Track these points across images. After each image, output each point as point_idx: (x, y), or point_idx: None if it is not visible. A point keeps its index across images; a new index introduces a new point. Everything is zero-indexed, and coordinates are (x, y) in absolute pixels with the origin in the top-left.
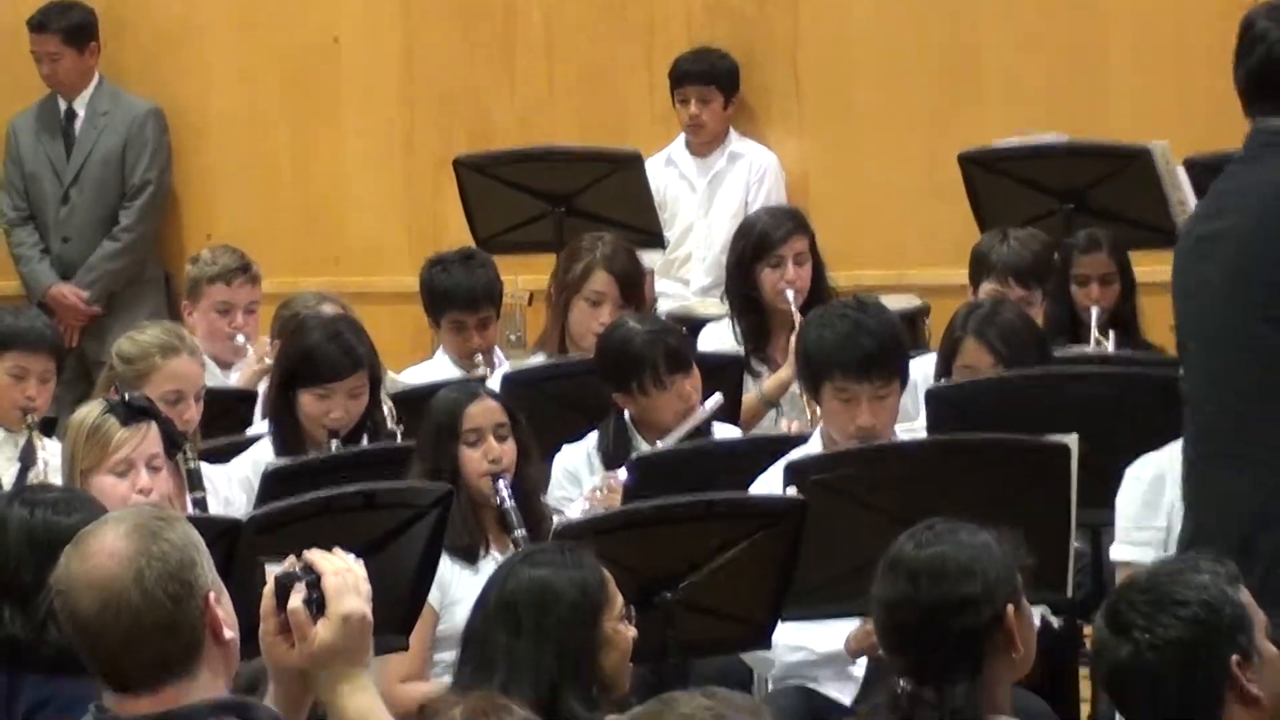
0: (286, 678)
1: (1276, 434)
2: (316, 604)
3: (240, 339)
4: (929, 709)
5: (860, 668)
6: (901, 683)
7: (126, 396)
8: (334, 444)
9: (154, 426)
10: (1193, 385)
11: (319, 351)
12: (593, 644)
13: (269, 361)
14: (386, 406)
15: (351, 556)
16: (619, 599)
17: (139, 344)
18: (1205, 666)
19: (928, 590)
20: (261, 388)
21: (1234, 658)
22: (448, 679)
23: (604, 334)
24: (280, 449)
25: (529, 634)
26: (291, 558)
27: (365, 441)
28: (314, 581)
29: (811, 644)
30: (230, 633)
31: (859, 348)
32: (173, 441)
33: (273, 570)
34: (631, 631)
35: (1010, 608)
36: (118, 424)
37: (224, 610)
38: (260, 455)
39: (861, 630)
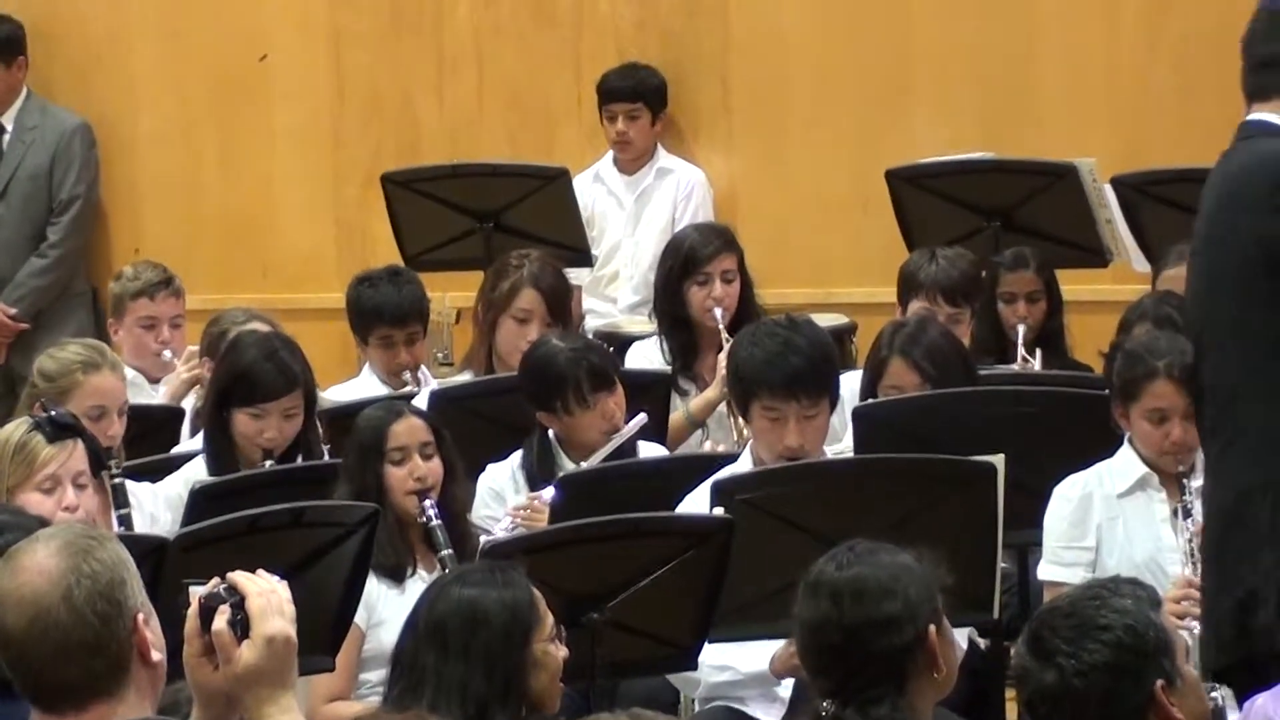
0: (211, 700)
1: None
2: (241, 625)
3: (167, 354)
4: None
5: (786, 688)
6: (825, 704)
7: (53, 413)
8: (268, 464)
9: (80, 444)
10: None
11: (255, 371)
12: (522, 665)
13: (198, 373)
14: None
15: (276, 578)
16: (549, 619)
17: (60, 361)
18: (1130, 691)
19: (850, 610)
20: (188, 405)
21: (1158, 682)
22: (374, 699)
23: (527, 353)
24: (214, 468)
25: (458, 655)
26: (216, 579)
27: (300, 461)
28: (238, 603)
29: (737, 664)
30: (158, 655)
31: (788, 366)
32: (98, 459)
33: (197, 592)
34: (562, 652)
35: (932, 627)
36: (44, 441)
37: (153, 632)
38: (193, 474)
39: (786, 651)
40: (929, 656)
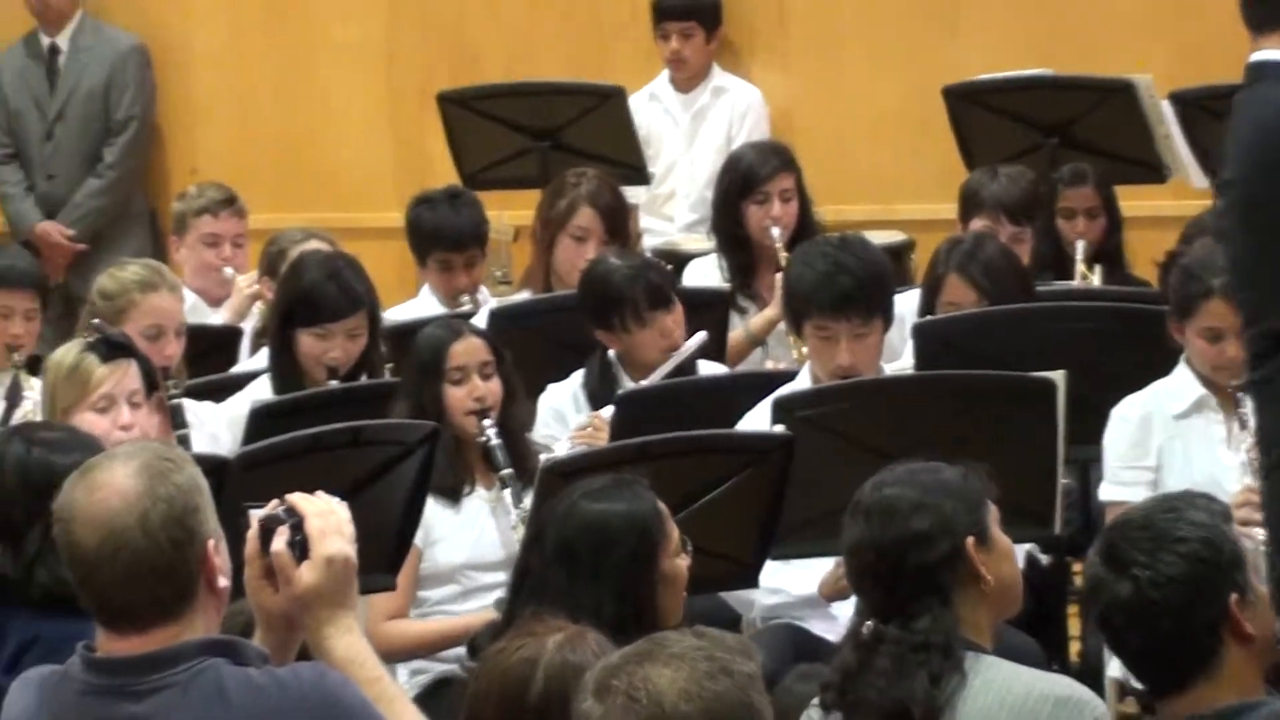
0: (273, 621)
1: None
2: (300, 547)
3: (229, 272)
4: (892, 644)
5: (839, 609)
6: (866, 625)
7: (106, 333)
8: (332, 384)
9: (134, 364)
10: None
11: (318, 291)
12: (652, 583)
13: (258, 289)
14: None
15: (335, 499)
16: (674, 532)
17: (118, 280)
18: (1205, 604)
19: (880, 529)
20: (247, 325)
21: (1233, 596)
22: (436, 617)
23: (585, 271)
24: (279, 388)
25: (589, 577)
26: (275, 501)
27: (364, 380)
28: (297, 524)
29: (788, 587)
30: (224, 581)
31: (837, 286)
32: (151, 379)
33: (256, 514)
34: (686, 562)
35: (970, 540)
36: (97, 361)
37: (221, 559)
38: (258, 393)
39: (833, 575)
40: (969, 569)
